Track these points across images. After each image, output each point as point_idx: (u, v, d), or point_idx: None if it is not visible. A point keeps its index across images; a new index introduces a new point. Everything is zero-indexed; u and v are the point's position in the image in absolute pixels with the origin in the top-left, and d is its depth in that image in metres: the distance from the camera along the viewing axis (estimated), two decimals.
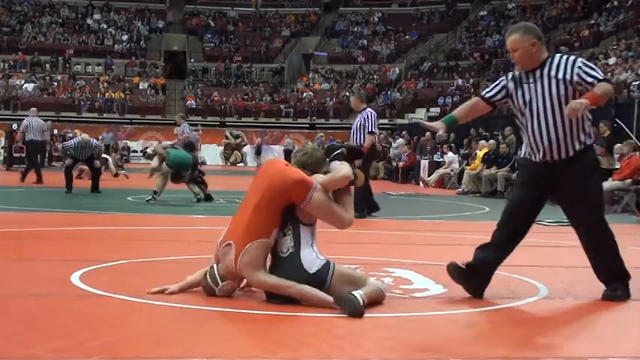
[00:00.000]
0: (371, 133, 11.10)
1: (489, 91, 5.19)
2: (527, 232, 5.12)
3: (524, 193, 5.10)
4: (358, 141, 11.10)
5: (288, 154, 35.32)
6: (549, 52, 5.08)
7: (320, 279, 4.54)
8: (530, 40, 4.93)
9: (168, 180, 13.26)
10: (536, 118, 4.93)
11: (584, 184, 4.95)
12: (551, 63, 4.94)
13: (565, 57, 4.98)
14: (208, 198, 13.47)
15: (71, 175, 14.62)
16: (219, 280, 4.66)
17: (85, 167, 16.75)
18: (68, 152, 15.15)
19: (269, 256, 4.71)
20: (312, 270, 4.55)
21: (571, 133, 4.89)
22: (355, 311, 4.28)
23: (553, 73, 4.90)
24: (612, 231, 5.05)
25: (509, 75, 5.13)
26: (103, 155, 20.17)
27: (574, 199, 4.98)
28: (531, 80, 4.96)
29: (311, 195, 4.58)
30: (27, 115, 19.01)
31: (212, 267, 4.74)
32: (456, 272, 5.03)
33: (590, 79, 4.83)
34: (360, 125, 11.17)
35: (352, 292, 4.38)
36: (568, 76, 4.86)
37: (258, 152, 37.81)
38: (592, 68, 4.91)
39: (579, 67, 4.87)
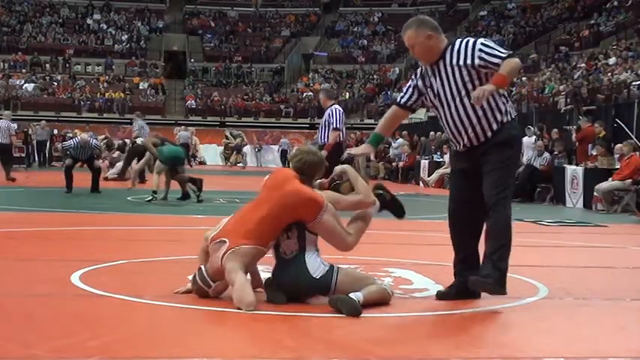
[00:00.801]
0: (335, 129, 10.98)
1: (403, 97, 5.08)
2: (482, 219, 4.83)
3: (458, 183, 4.99)
4: (324, 138, 10.99)
5: (283, 154, 35.29)
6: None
7: (325, 284, 4.56)
8: (425, 33, 4.81)
9: (170, 179, 13.26)
10: (448, 109, 4.84)
11: (493, 158, 4.74)
12: (452, 50, 4.82)
13: (465, 41, 4.85)
14: (185, 197, 13.30)
15: (71, 175, 14.58)
16: (210, 281, 4.64)
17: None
18: (68, 152, 15.15)
19: (273, 258, 4.72)
20: (317, 275, 4.56)
21: (485, 117, 4.76)
22: (353, 310, 4.28)
23: (455, 60, 4.79)
24: (511, 219, 4.77)
25: (417, 73, 5.02)
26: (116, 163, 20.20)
27: (484, 174, 4.77)
28: (436, 72, 4.85)
29: (321, 216, 4.60)
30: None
31: (200, 269, 4.69)
32: (447, 297, 4.90)
33: (495, 60, 4.69)
34: (325, 122, 11.10)
35: (349, 295, 4.39)
36: (469, 61, 4.74)
37: (238, 151, 37.43)
38: (493, 48, 4.77)
39: (480, 50, 4.73)
